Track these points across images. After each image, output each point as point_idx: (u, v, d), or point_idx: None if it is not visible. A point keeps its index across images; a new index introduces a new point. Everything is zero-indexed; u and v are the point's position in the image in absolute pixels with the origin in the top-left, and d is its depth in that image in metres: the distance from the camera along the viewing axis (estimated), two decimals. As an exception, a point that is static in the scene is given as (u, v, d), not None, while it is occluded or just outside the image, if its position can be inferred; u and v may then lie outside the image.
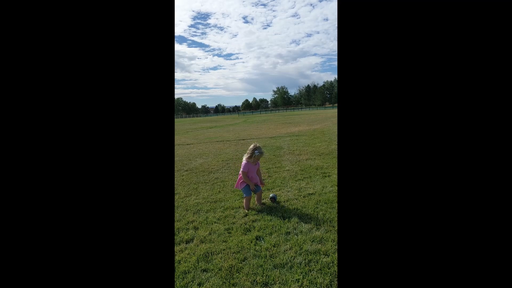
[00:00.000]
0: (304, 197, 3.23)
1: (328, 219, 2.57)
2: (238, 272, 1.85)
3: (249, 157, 2.95)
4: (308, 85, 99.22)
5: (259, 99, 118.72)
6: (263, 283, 1.72)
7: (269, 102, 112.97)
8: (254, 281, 1.74)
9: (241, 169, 2.99)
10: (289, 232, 2.38)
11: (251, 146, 3.01)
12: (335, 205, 2.88)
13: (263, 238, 2.29)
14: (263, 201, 3.16)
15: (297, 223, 2.54)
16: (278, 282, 1.71)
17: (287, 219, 2.63)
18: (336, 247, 2.05)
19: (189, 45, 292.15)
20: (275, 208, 2.92)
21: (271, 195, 3.20)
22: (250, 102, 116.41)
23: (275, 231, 2.41)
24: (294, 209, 2.87)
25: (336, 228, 2.36)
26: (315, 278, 1.72)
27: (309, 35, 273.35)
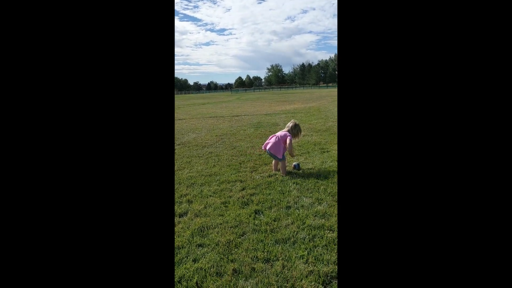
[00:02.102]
0: (302, 171, 3.09)
1: (330, 193, 2.43)
2: (237, 247, 1.71)
3: (294, 136, 3.15)
4: (303, 64, 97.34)
5: (253, 77, 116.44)
6: (265, 259, 1.58)
7: (263, 80, 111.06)
8: (254, 257, 1.60)
9: (289, 139, 3.02)
10: (289, 206, 2.24)
11: (293, 123, 3.18)
12: (336, 179, 2.74)
13: (262, 212, 2.15)
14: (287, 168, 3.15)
15: (298, 197, 2.40)
16: (281, 258, 1.58)
17: (287, 193, 2.49)
18: (341, 222, 1.93)
19: (181, 19, 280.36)
20: (273, 182, 2.77)
21: (294, 163, 3.22)
22: (244, 79, 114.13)
23: (275, 205, 2.26)
24: (294, 183, 2.72)
25: (339, 203, 2.23)
26: (321, 254, 1.58)
27: (304, 11, 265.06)
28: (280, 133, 3.11)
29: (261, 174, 3.06)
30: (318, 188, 2.57)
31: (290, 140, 3.02)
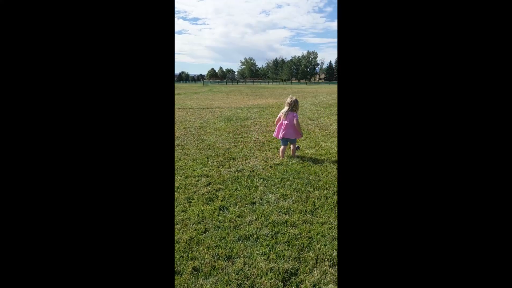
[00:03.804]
0: (270, 167, 3.10)
1: (295, 189, 2.47)
2: (198, 244, 1.66)
3: (297, 110, 3.41)
4: (276, 59, 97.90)
5: (226, 69, 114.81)
6: (226, 257, 1.55)
7: (236, 73, 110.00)
8: (215, 254, 1.57)
9: (296, 120, 3.30)
10: (255, 202, 2.23)
11: (291, 100, 3.38)
12: (302, 175, 2.79)
13: (227, 208, 2.12)
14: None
15: (263, 193, 2.40)
16: (242, 255, 1.56)
17: (253, 189, 2.48)
18: (304, 218, 1.96)
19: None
20: (240, 178, 2.75)
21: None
22: (216, 71, 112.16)
23: (240, 201, 2.24)
24: (261, 179, 2.72)
25: (304, 199, 2.27)
26: (282, 251, 1.60)
27: (279, 6, 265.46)
28: (286, 118, 3.36)
29: (229, 169, 3.02)
30: (284, 184, 2.59)
31: (297, 120, 3.33)
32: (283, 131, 3.36)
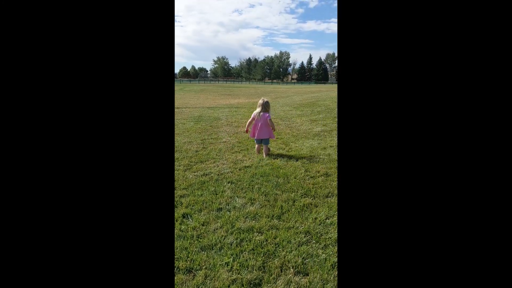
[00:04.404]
0: (239, 170, 3.03)
1: (263, 192, 2.42)
2: (157, 258, 1.55)
3: (268, 110, 3.64)
4: (249, 58, 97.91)
5: (198, 68, 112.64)
6: (187, 269, 1.46)
7: (209, 72, 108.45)
8: (176, 268, 1.47)
9: (269, 118, 3.54)
10: (221, 208, 2.15)
11: (263, 101, 3.64)
12: (271, 178, 2.76)
13: (191, 216, 2.01)
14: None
15: (231, 198, 2.32)
16: (204, 267, 1.48)
17: (220, 194, 2.39)
18: (270, 223, 1.92)
19: None
20: (207, 182, 2.65)
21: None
22: (188, 70, 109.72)
23: (206, 207, 2.15)
24: (229, 182, 2.64)
25: (271, 202, 2.23)
26: (246, 260, 1.53)
27: (252, 6, 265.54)
28: (259, 119, 3.58)
29: (195, 173, 2.91)
30: (252, 188, 2.53)
31: (270, 119, 3.57)
32: (258, 131, 3.57)
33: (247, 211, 2.09)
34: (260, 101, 3.67)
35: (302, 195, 2.37)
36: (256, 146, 3.70)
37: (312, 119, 6.76)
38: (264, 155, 3.55)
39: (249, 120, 3.73)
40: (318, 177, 2.80)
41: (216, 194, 2.38)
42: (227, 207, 2.17)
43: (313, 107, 9.08)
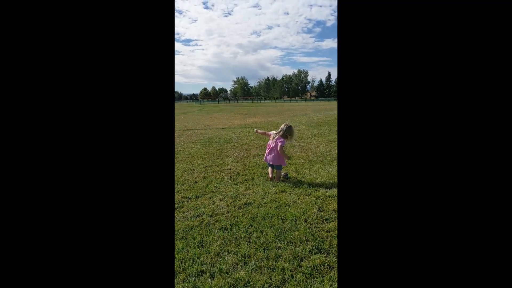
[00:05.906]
0: (238, 208, 2.52)
1: (262, 245, 1.88)
2: None
3: (288, 138, 3.23)
4: (268, 78, 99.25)
5: (219, 88, 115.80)
6: None
7: (229, 92, 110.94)
8: None
9: (280, 146, 3.15)
10: (202, 271, 1.63)
11: (285, 126, 3.23)
12: (275, 221, 2.21)
13: (160, 285, 1.51)
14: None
15: (219, 254, 1.80)
16: None
17: (206, 247, 1.88)
18: (265, 300, 1.36)
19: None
20: (195, 227, 2.15)
21: (283, 173, 3.35)
22: (209, 90, 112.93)
23: (183, 269, 1.64)
24: (221, 229, 2.13)
25: (271, 262, 1.68)
26: None
27: (270, 28, 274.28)
28: (272, 142, 3.26)
29: (185, 214, 2.42)
30: (249, 237, 2.00)
31: (281, 147, 3.16)
32: (268, 154, 3.29)
33: (235, 277, 1.56)
34: (283, 125, 3.26)
35: (312, 250, 1.81)
36: (269, 169, 3.33)
37: (330, 139, 6.17)
38: (276, 180, 3.23)
39: (265, 131, 3.49)
40: (335, 220, 2.22)
41: (202, 248, 1.87)
42: (211, 269, 1.64)
43: (331, 126, 8.48)
